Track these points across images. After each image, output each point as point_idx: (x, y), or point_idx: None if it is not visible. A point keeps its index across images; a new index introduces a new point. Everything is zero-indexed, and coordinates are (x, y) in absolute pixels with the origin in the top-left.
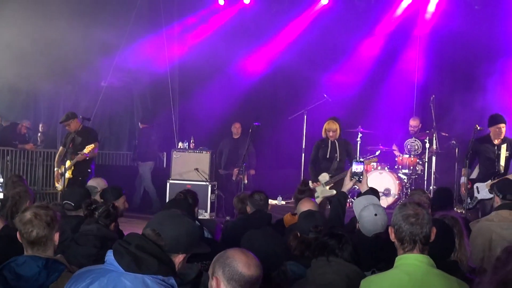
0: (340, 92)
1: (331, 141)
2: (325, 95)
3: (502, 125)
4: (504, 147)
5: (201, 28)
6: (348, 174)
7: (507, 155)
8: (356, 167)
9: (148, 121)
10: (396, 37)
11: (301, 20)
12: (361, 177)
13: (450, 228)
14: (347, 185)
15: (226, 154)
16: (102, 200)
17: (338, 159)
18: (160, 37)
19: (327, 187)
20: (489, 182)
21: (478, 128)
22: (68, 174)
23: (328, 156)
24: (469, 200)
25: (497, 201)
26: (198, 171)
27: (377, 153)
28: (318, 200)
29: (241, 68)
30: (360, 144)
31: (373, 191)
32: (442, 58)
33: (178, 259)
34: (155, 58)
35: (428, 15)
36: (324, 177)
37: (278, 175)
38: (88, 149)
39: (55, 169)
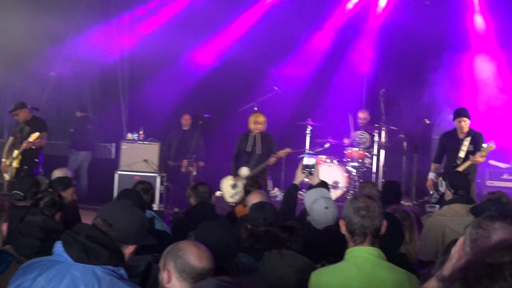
0: (290, 84)
1: (253, 134)
2: (275, 88)
3: (464, 119)
4: (467, 140)
5: (151, 19)
6: (300, 167)
7: (471, 148)
8: (308, 160)
9: (85, 110)
10: (346, 31)
11: (252, 12)
12: (313, 170)
13: (399, 221)
14: (298, 177)
15: (175, 146)
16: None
17: (258, 152)
18: (110, 27)
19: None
20: None
21: (427, 122)
22: (15, 164)
23: (249, 150)
24: (435, 195)
25: (449, 195)
26: (147, 162)
27: (326, 145)
28: (239, 195)
29: (192, 59)
30: (309, 136)
31: (323, 184)
32: (391, 52)
33: (128, 250)
34: (105, 48)
35: (379, 9)
36: (244, 171)
37: (228, 166)
38: (32, 137)
39: (3, 159)
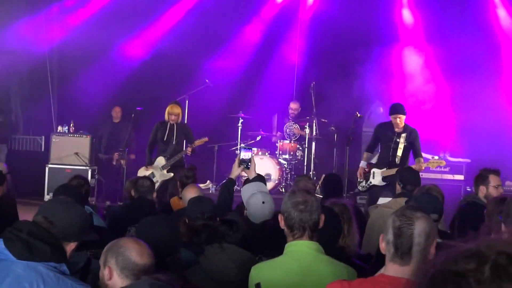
0: (222, 77)
1: (170, 123)
2: (206, 80)
3: (399, 116)
4: (403, 136)
5: (80, 10)
6: (236, 161)
7: (406, 144)
8: (244, 154)
9: None
10: (277, 23)
11: (183, 4)
12: (249, 164)
13: (337, 215)
14: (235, 171)
15: (106, 138)
16: None
17: (175, 142)
18: (38, 18)
19: (165, 171)
20: (384, 170)
21: (358, 115)
22: None
23: (165, 139)
24: (364, 184)
25: (398, 189)
26: (78, 155)
27: (258, 138)
28: (156, 185)
29: (122, 52)
30: (241, 129)
31: (260, 178)
32: (321, 45)
33: (70, 247)
34: (34, 40)
35: (309, 2)
36: (160, 160)
37: None
38: None
39: None
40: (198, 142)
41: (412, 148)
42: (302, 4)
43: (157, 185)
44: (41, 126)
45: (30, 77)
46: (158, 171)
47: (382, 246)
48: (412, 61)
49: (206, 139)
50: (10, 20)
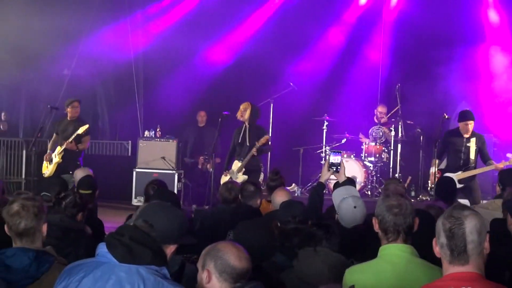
0: (306, 80)
1: (244, 126)
2: (291, 84)
3: (470, 122)
4: (473, 140)
5: (163, 17)
6: (326, 165)
7: (476, 148)
8: (334, 158)
9: None
10: (361, 25)
11: (265, 9)
12: (339, 167)
13: (432, 218)
14: (325, 175)
15: (192, 143)
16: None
17: (248, 144)
18: (123, 26)
19: (240, 174)
20: (460, 173)
21: (446, 116)
22: (58, 159)
23: (240, 141)
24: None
25: (497, 190)
26: (164, 159)
27: (343, 141)
28: None
29: (206, 57)
30: (326, 132)
31: (350, 181)
32: (406, 46)
33: (170, 249)
34: (119, 46)
35: (392, 3)
36: (236, 165)
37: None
38: (82, 129)
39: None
40: (261, 142)
41: (481, 152)
42: (386, 5)
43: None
44: (128, 131)
45: (116, 83)
46: (234, 175)
47: (437, 250)
48: (498, 60)
49: (267, 136)
50: (95, 27)
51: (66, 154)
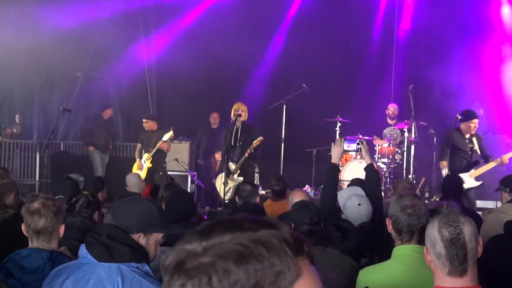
0: (318, 82)
1: (236, 127)
2: (303, 85)
3: (475, 121)
4: (474, 140)
5: (180, 20)
6: (341, 144)
7: (478, 147)
8: (348, 146)
9: None
10: (372, 27)
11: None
12: (360, 148)
13: None
14: (337, 154)
15: (205, 144)
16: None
17: (240, 145)
18: (138, 29)
19: (235, 176)
20: (472, 171)
21: (459, 117)
22: (148, 164)
23: (232, 144)
24: None
25: (506, 197)
26: (177, 161)
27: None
28: (230, 193)
29: (217, 59)
30: (339, 133)
31: (359, 181)
32: (418, 47)
33: (138, 237)
34: (133, 49)
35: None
36: (231, 167)
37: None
38: (167, 136)
39: (137, 159)
40: (254, 143)
41: (481, 151)
42: (399, 7)
43: (231, 192)
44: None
45: (129, 84)
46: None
47: (428, 259)
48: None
49: (261, 138)
50: (108, 29)
51: (154, 159)
